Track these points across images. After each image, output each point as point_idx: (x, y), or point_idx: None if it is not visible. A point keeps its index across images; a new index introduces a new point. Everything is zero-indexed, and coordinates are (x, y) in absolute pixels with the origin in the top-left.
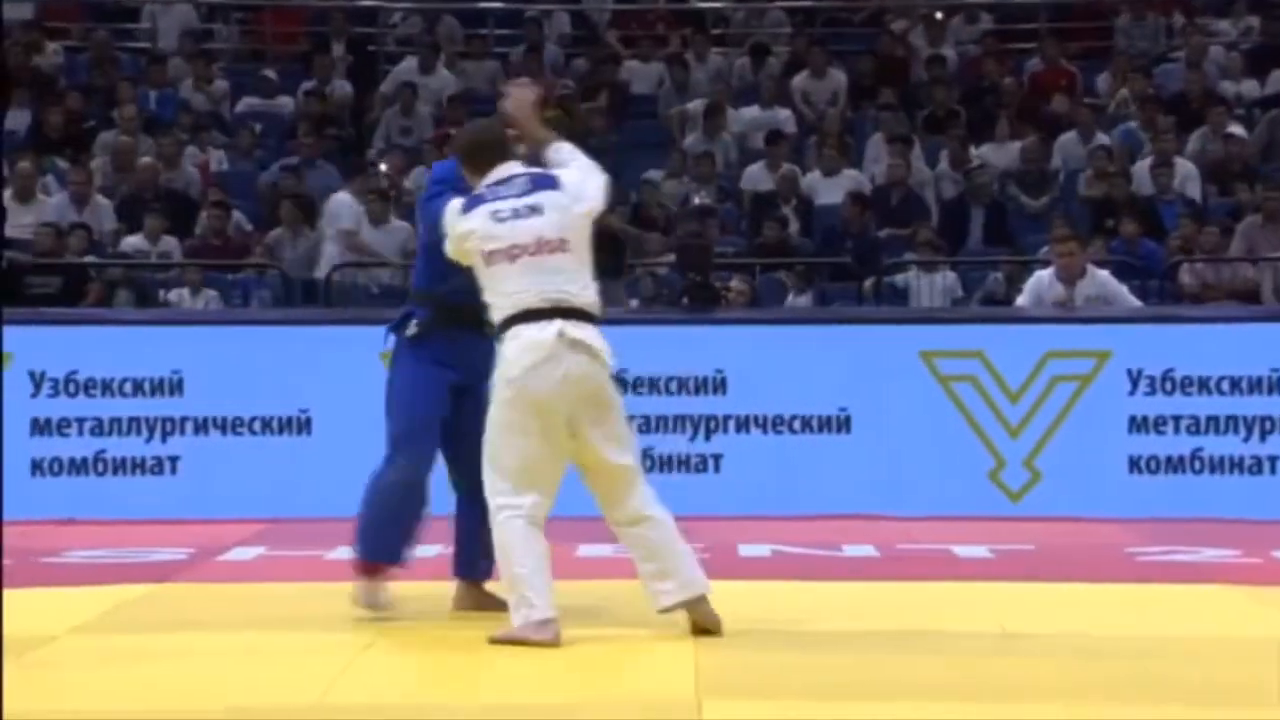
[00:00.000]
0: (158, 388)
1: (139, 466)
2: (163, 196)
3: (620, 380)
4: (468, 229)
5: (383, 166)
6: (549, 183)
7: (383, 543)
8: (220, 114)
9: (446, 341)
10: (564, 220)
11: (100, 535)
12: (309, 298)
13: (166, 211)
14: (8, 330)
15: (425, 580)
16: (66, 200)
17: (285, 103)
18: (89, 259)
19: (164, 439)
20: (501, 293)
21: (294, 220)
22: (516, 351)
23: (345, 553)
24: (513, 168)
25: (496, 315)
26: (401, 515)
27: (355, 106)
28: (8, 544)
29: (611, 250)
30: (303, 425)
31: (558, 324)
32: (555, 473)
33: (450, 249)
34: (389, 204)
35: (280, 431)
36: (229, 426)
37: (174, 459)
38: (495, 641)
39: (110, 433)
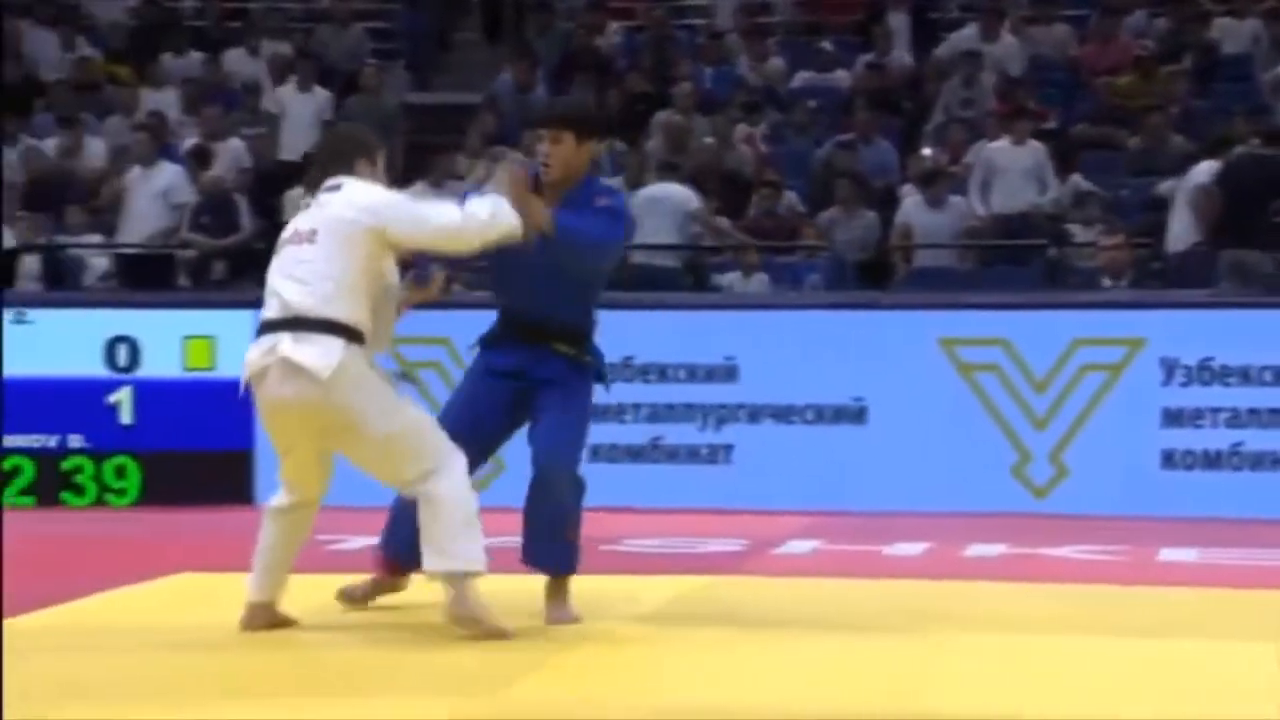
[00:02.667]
0: (711, 374)
1: (693, 454)
2: (717, 176)
3: (1205, 369)
4: None
5: (926, 151)
6: (333, 187)
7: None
8: (775, 90)
9: (510, 350)
10: (325, 214)
11: (654, 524)
12: (863, 281)
13: (719, 191)
14: None
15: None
16: (621, 183)
17: (842, 76)
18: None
19: (718, 427)
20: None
21: (849, 199)
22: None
23: (905, 548)
24: (337, 180)
25: None
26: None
27: (914, 78)
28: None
29: None
30: (857, 414)
31: (275, 339)
32: (308, 470)
33: None
34: (945, 183)
35: (834, 420)
36: (782, 415)
37: (728, 447)
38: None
39: (665, 419)
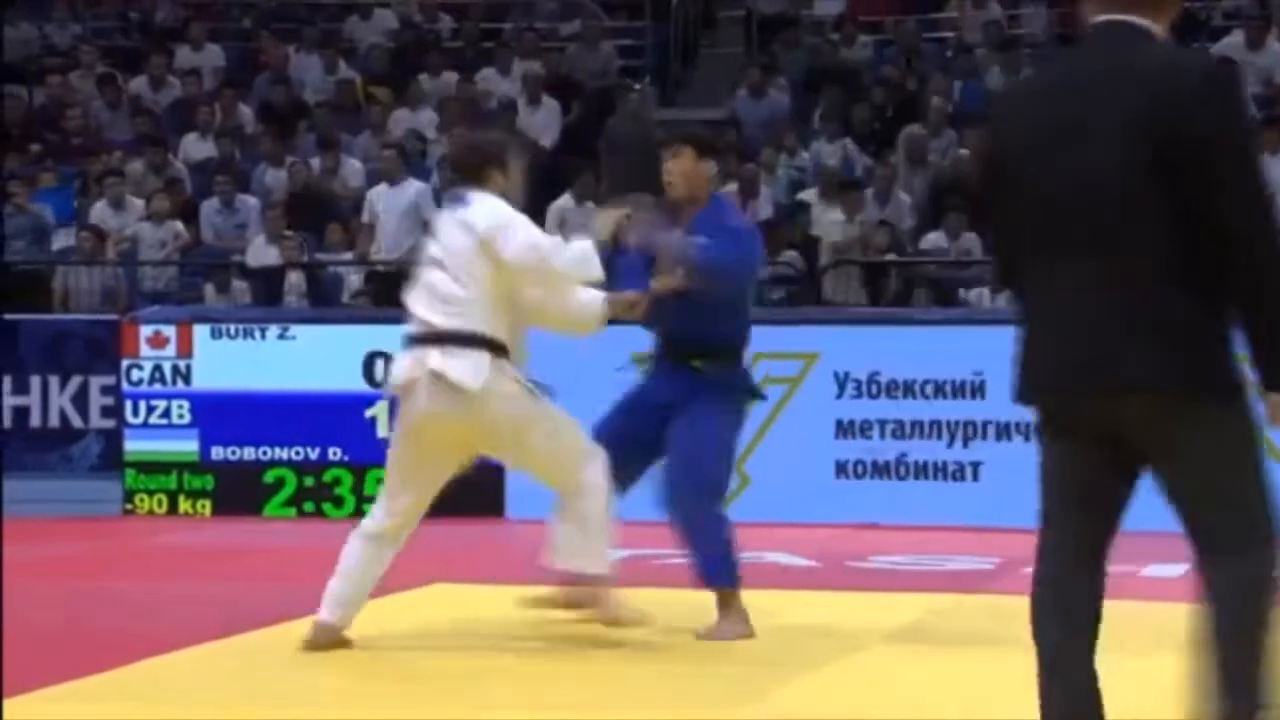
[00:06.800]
0: (959, 390)
1: (940, 471)
2: (964, 191)
3: None
4: None
5: None
6: (464, 201)
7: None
8: None
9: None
10: (448, 239)
11: (902, 540)
12: None
13: (968, 206)
14: (812, 330)
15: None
16: (870, 196)
17: None
18: (889, 257)
19: (965, 443)
20: None
21: None
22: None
23: (1163, 569)
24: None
25: None
26: None
27: None
28: (816, 547)
29: None
30: None
31: (418, 353)
32: (420, 494)
33: None
34: None
35: None
36: (1032, 432)
37: (975, 464)
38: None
39: (912, 435)
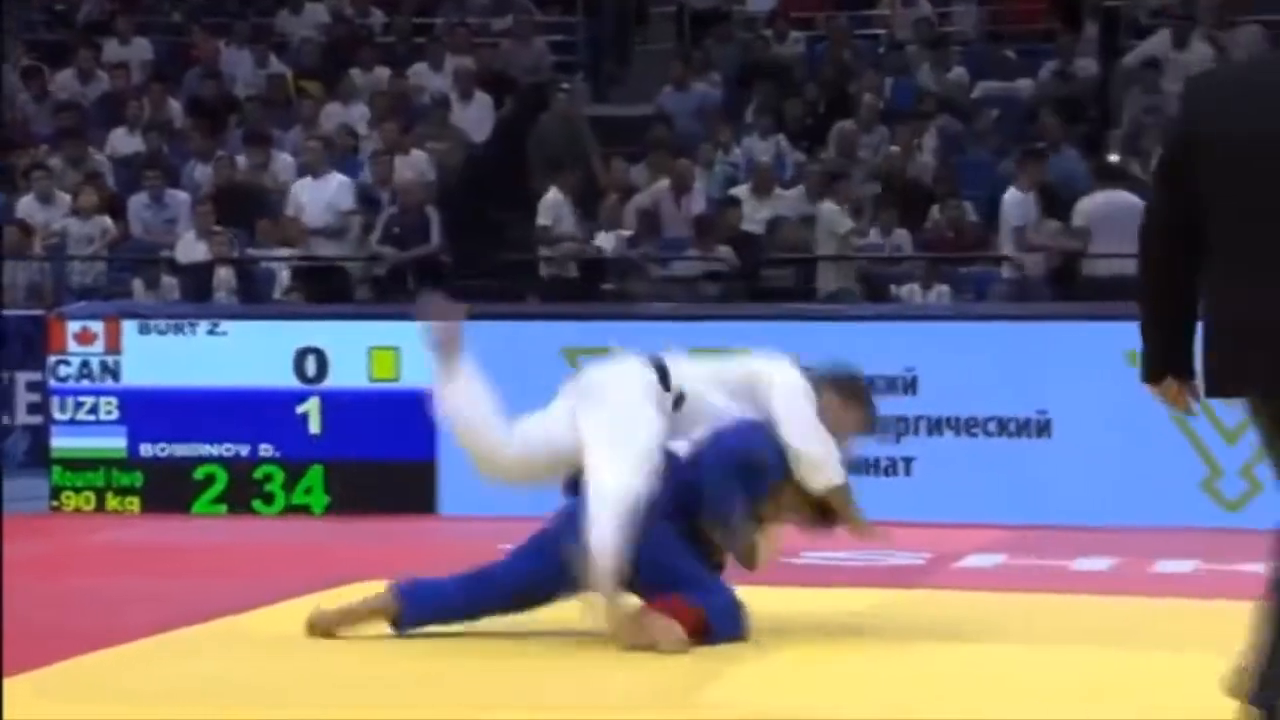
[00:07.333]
0: (891, 385)
1: (872, 467)
2: (897, 187)
3: None
4: None
5: (1113, 157)
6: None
7: None
8: (955, 100)
9: None
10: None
11: (835, 536)
12: (1048, 291)
13: (899, 203)
14: (744, 325)
15: None
16: (802, 193)
17: (1025, 85)
18: (821, 253)
19: (897, 439)
20: None
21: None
22: None
23: (1092, 563)
24: None
25: None
26: None
27: (1102, 87)
28: None
29: None
30: (1042, 428)
31: None
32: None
33: None
34: (1125, 183)
35: (1018, 434)
36: (963, 427)
37: (908, 460)
38: None
39: None
